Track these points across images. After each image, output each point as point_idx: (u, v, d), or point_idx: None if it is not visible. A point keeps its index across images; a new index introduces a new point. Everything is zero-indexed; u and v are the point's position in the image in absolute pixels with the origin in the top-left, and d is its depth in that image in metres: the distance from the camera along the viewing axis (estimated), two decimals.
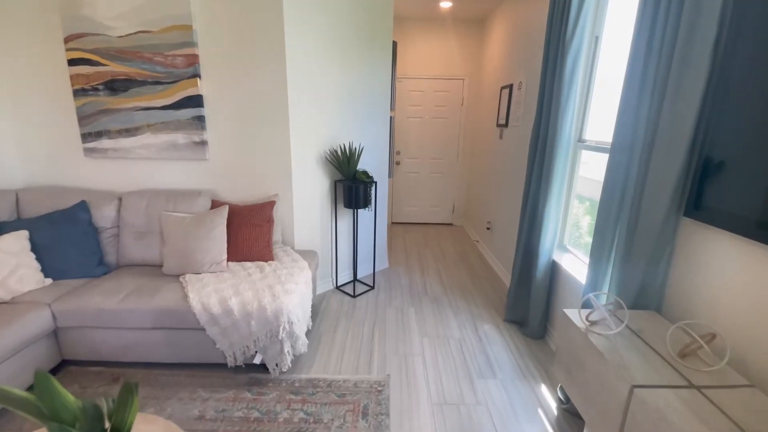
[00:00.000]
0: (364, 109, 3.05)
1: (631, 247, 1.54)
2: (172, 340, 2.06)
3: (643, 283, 1.50)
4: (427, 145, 4.98)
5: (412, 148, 4.98)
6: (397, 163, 5.01)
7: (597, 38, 2.24)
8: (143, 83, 2.55)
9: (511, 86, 3.47)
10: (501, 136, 3.73)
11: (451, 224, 5.29)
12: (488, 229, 3.95)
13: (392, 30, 3.08)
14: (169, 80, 2.54)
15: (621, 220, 1.65)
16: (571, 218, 2.51)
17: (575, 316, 1.46)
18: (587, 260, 2.24)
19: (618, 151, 1.66)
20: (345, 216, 3.13)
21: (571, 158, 2.37)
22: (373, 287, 3.18)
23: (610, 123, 2.29)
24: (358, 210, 3.10)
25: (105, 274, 2.36)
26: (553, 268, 2.45)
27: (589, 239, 2.43)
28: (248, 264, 2.35)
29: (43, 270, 2.19)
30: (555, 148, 2.27)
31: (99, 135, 2.65)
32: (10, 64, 2.51)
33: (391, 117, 3.33)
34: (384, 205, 3.45)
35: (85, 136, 2.66)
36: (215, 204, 2.55)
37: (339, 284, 3.19)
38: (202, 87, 2.55)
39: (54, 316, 1.99)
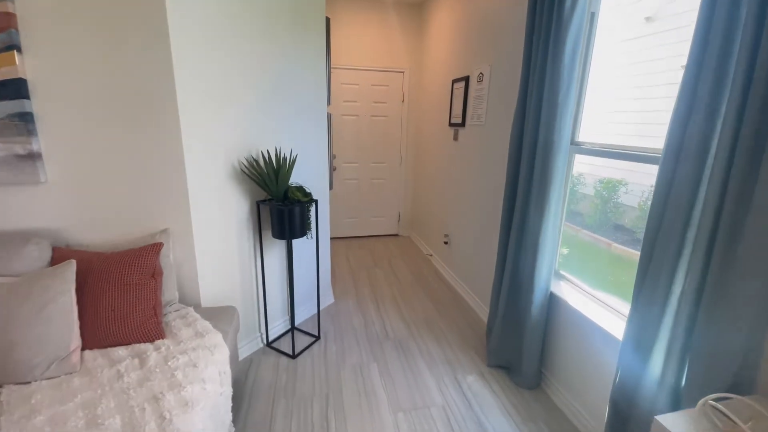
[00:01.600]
0: (294, 103, 2.28)
1: (722, 300, 1.05)
2: None
3: (745, 356, 1.03)
4: (366, 147, 4.33)
5: (349, 151, 4.29)
6: (334, 169, 4.28)
7: (593, 14, 1.79)
8: None
9: (466, 79, 2.97)
10: (456, 138, 3.23)
11: (397, 235, 4.72)
12: (445, 243, 3.45)
13: (324, 1, 2.36)
14: None
15: (690, 257, 1.17)
16: (563, 237, 2.06)
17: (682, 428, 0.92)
18: (591, 291, 1.71)
19: (679, 158, 1.17)
20: (274, 248, 2.34)
21: (567, 166, 1.90)
22: (318, 337, 2.44)
23: (613, 120, 1.88)
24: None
25: None
26: (551, 302, 1.97)
27: (578, 258, 2.00)
28: (119, 352, 1.46)
29: None
30: (552, 153, 1.77)
31: None
32: None
33: (328, 114, 2.61)
34: (326, 227, 2.72)
35: None
36: (59, 255, 1.59)
37: (271, 340, 2.38)
38: (26, 66, 1.57)
39: None
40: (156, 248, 1.63)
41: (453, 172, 3.31)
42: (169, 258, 1.76)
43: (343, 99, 4.10)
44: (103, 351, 1.47)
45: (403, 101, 4.28)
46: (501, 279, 2.20)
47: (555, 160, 1.77)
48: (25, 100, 1.58)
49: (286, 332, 2.47)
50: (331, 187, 2.87)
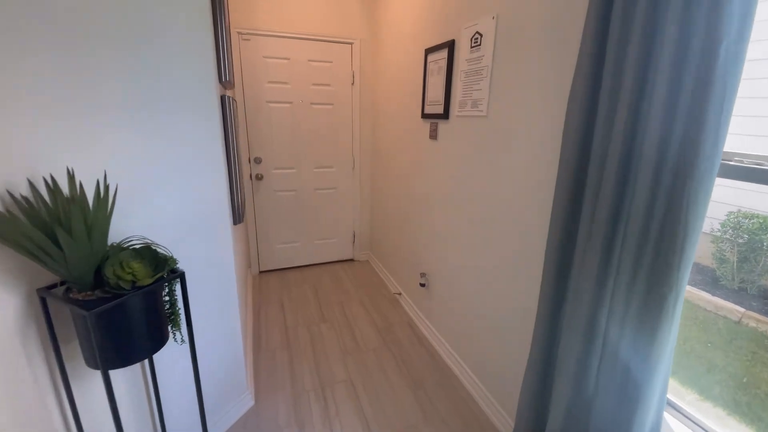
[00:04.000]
0: (134, 81, 1.12)
1: None
2: None
3: None
4: (306, 146, 3.18)
5: (282, 153, 3.12)
6: (259, 178, 3.10)
7: None
8: None
9: (450, 45, 1.95)
10: (434, 135, 2.21)
11: (352, 260, 3.66)
12: (422, 285, 2.45)
13: None
14: None
15: None
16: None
17: None
18: None
19: None
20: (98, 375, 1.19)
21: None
22: None
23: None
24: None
25: None
26: None
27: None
28: None
29: None
30: (692, 184, 0.81)
31: None
32: None
33: (226, 99, 1.48)
34: (231, 297, 1.59)
35: None
36: None
37: None
38: None
39: None
40: None
41: (430, 186, 2.31)
42: None
43: (269, 79, 2.91)
44: None
45: (353, 83, 3.18)
46: (546, 394, 1.24)
47: (695, 202, 0.81)
48: None
49: None
50: (238, 221, 1.74)
